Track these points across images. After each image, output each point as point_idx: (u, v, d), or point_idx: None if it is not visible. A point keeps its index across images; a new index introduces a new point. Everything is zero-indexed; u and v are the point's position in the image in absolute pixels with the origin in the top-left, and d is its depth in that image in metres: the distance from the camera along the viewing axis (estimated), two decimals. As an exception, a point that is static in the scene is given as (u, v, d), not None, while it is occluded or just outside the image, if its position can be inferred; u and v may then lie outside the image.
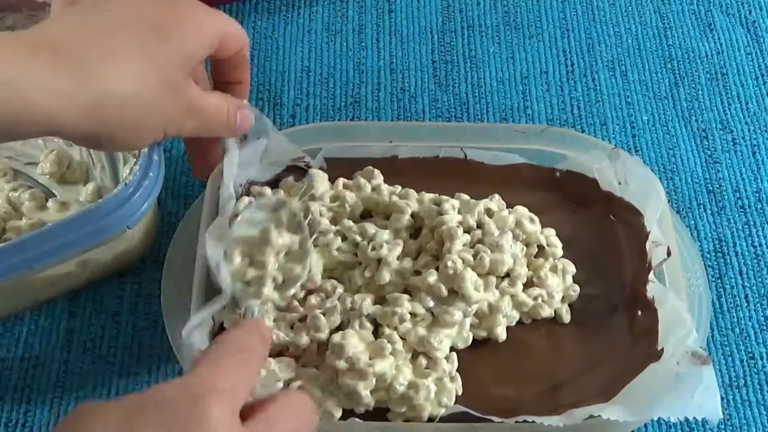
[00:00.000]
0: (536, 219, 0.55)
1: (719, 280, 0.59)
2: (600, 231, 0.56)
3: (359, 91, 0.67)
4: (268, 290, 0.49)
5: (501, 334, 0.52)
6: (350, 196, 0.55)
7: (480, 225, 0.54)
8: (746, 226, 0.61)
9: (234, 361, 0.39)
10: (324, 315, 0.51)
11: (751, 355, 0.57)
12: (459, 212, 0.54)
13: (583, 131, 0.65)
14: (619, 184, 0.56)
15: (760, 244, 0.61)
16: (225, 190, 0.53)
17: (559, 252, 0.55)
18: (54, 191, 0.60)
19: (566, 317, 0.53)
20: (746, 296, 0.59)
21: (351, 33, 0.70)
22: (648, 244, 0.54)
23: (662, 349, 0.50)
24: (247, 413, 0.37)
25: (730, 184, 0.63)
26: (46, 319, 0.57)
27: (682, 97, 0.67)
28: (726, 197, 0.63)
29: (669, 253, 0.53)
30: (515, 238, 0.54)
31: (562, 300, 0.54)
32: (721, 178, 0.64)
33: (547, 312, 0.53)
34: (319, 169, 0.56)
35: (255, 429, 0.37)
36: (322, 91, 0.67)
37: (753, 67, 0.69)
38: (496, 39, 0.70)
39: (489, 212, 0.54)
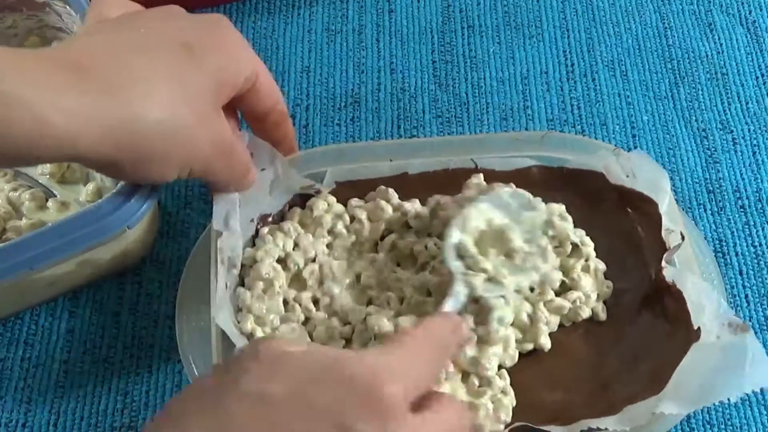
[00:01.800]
0: (568, 217, 0.55)
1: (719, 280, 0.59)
2: (617, 223, 0.56)
3: (359, 91, 0.67)
4: (479, 281, 0.50)
5: (546, 343, 0.51)
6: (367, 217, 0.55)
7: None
8: (746, 226, 0.61)
9: (423, 350, 0.40)
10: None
11: (751, 355, 0.56)
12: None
13: (583, 131, 0.65)
14: (627, 177, 0.56)
15: (760, 244, 0.61)
16: (224, 237, 0.51)
17: (592, 252, 0.54)
18: (54, 191, 0.60)
19: (602, 315, 0.53)
20: (746, 296, 0.59)
21: (351, 33, 0.70)
22: (663, 232, 0.54)
23: (698, 329, 0.50)
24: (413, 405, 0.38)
25: (730, 184, 0.63)
26: (46, 319, 0.57)
27: (682, 97, 0.67)
28: (726, 197, 0.63)
29: (683, 238, 0.53)
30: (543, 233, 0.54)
31: (597, 298, 0.53)
32: (721, 178, 0.64)
33: (586, 313, 0.53)
34: (330, 192, 0.55)
35: (424, 418, 0.38)
36: (322, 91, 0.67)
37: (753, 67, 0.69)
38: (496, 39, 0.70)
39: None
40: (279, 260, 0.53)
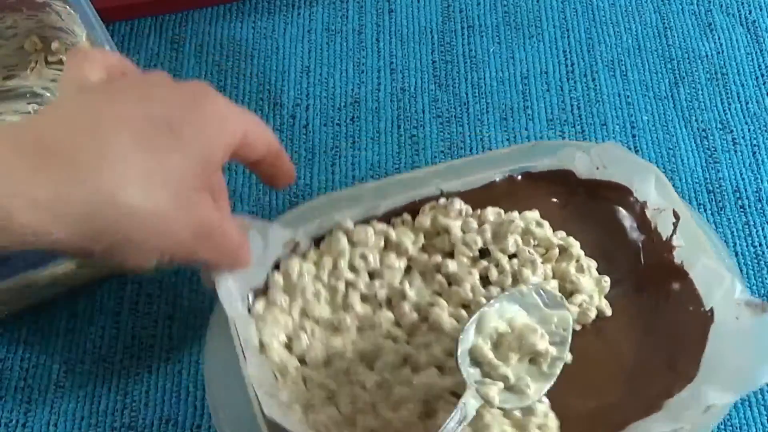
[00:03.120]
0: (544, 222, 0.54)
1: (719, 280, 0.59)
2: (594, 217, 0.56)
3: (359, 91, 0.67)
4: (495, 391, 0.46)
5: (567, 356, 0.50)
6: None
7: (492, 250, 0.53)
8: (746, 226, 0.61)
9: None
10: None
11: (751, 355, 0.56)
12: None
13: (583, 131, 0.65)
14: (597, 169, 0.56)
15: (760, 244, 0.61)
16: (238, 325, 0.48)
17: (580, 251, 0.54)
18: (54, 191, 0.60)
19: (608, 311, 0.53)
20: (746, 296, 0.59)
21: (351, 33, 0.70)
22: (650, 213, 0.54)
23: (711, 309, 0.50)
24: None
25: (730, 184, 0.63)
26: (46, 319, 0.57)
27: (682, 97, 0.67)
28: (726, 197, 0.63)
29: (677, 215, 0.53)
30: (525, 244, 0.53)
31: (598, 295, 0.53)
32: (721, 178, 0.64)
33: (593, 314, 0.52)
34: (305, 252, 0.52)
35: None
36: (322, 91, 0.67)
37: (753, 67, 0.69)
38: (496, 39, 0.70)
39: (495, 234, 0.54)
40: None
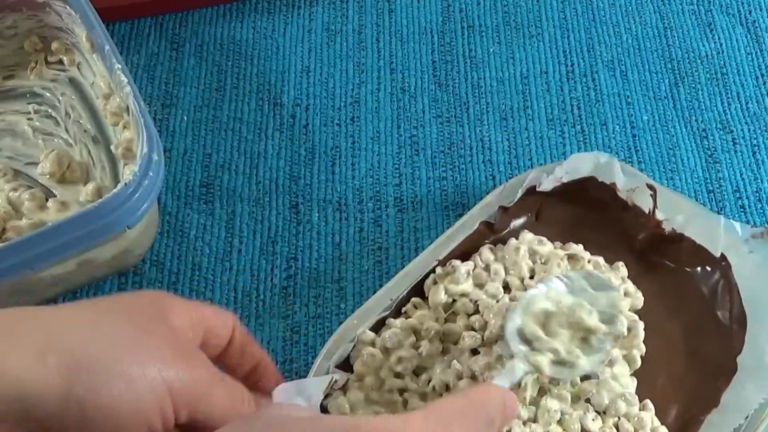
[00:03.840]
0: (544, 239, 0.55)
1: (719, 280, 0.59)
2: (567, 217, 0.58)
3: (359, 91, 0.67)
4: (545, 361, 0.47)
5: (622, 329, 0.50)
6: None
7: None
8: (746, 226, 0.61)
9: (459, 418, 0.36)
10: None
11: None
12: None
13: (583, 131, 0.65)
14: (561, 178, 0.57)
15: (760, 244, 0.61)
16: None
17: (584, 251, 0.55)
18: (54, 191, 0.60)
19: (639, 294, 0.54)
20: (746, 296, 0.59)
21: (351, 33, 0.70)
22: (624, 194, 0.56)
23: (722, 255, 0.53)
24: None
25: (730, 184, 0.63)
26: (46, 319, 0.57)
27: (682, 97, 0.67)
28: (726, 197, 0.63)
29: (651, 188, 0.55)
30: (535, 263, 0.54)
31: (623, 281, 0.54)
32: (721, 178, 0.64)
33: (628, 300, 0.54)
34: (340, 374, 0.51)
35: None
36: (322, 91, 0.67)
37: (753, 67, 0.69)
38: (496, 39, 0.70)
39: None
40: None
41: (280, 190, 0.62)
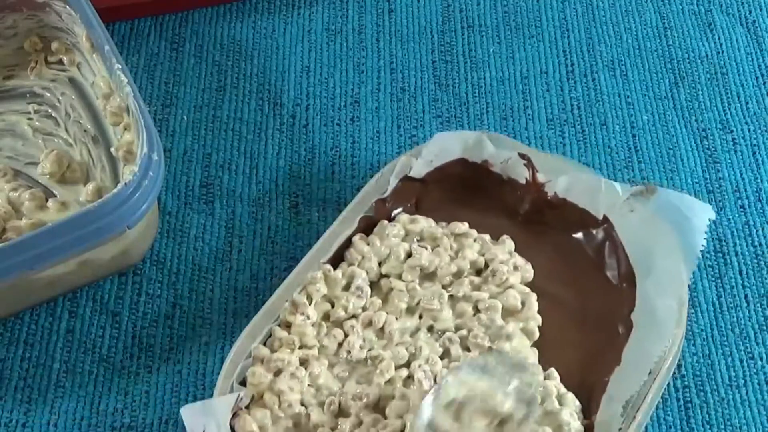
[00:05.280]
0: (419, 217, 0.57)
1: (719, 280, 0.59)
2: (445, 201, 0.59)
3: (359, 91, 0.67)
4: None
5: (534, 328, 0.53)
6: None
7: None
8: (746, 226, 0.61)
9: None
10: None
11: (750, 355, 0.57)
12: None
13: (583, 131, 0.65)
14: (431, 162, 0.58)
15: (760, 244, 0.61)
16: None
17: (469, 228, 0.57)
18: (54, 191, 0.60)
19: (528, 266, 0.56)
20: (746, 296, 0.59)
21: (351, 33, 0.70)
22: (497, 168, 0.58)
23: (605, 217, 0.55)
24: None
25: (730, 184, 0.63)
26: (46, 319, 0.57)
27: (682, 97, 0.67)
28: (726, 197, 0.63)
29: (524, 156, 0.57)
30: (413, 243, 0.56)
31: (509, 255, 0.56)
32: (721, 178, 0.64)
33: (514, 277, 0.55)
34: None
35: None
36: (322, 91, 0.67)
37: (753, 67, 0.69)
38: (496, 39, 0.70)
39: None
40: None
41: (280, 190, 0.62)
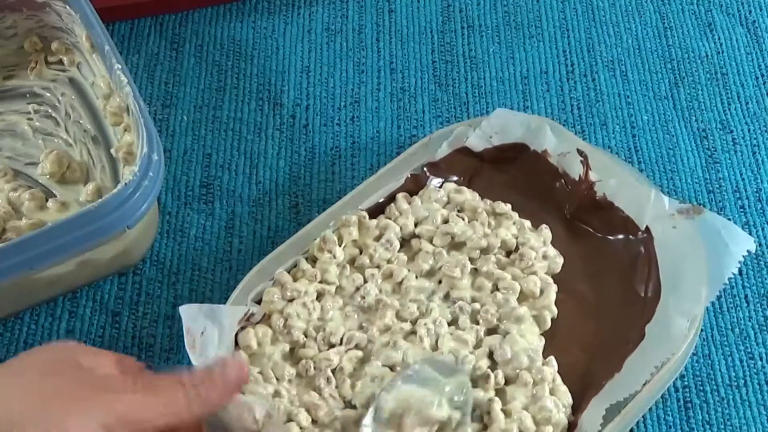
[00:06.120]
0: (462, 188, 0.58)
1: (719, 280, 0.59)
2: (500, 181, 0.59)
3: (359, 91, 0.67)
4: None
5: (547, 318, 0.54)
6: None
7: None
8: (746, 226, 0.61)
9: None
10: None
11: (750, 355, 0.57)
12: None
13: (583, 131, 0.65)
14: (491, 137, 0.58)
15: (760, 244, 0.61)
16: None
17: (512, 211, 0.57)
18: (54, 191, 0.60)
19: (559, 259, 0.56)
20: (746, 296, 0.59)
21: (351, 33, 0.70)
22: (555, 159, 0.57)
23: (647, 228, 0.54)
24: None
25: (730, 184, 0.63)
26: (46, 319, 0.57)
27: (682, 97, 0.67)
28: (726, 197, 0.63)
29: (581, 153, 0.56)
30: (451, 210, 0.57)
31: (544, 244, 0.56)
32: (721, 178, 0.64)
33: (543, 267, 0.55)
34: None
35: None
36: (322, 91, 0.67)
37: (753, 67, 0.69)
38: (496, 39, 0.70)
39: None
40: None
41: (280, 190, 0.62)
